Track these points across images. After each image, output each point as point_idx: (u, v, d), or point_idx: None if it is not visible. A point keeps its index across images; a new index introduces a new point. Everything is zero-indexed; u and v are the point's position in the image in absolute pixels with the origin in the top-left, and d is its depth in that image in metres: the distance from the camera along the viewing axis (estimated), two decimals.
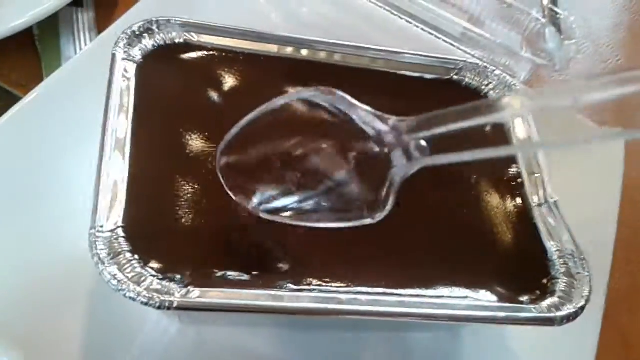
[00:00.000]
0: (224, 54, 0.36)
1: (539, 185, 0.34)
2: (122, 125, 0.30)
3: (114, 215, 0.27)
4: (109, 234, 0.27)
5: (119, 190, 0.28)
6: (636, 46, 0.66)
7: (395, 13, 0.50)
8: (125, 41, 0.33)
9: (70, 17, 0.48)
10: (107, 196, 0.28)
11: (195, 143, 0.32)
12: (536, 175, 0.35)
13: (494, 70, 0.39)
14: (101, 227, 0.27)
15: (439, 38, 0.50)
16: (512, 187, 0.34)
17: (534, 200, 0.34)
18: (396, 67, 0.38)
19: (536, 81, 0.53)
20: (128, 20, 0.42)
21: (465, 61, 0.39)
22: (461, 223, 0.33)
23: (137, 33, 0.34)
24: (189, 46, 0.35)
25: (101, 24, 0.49)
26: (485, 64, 0.39)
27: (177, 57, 0.35)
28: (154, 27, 0.35)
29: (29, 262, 0.32)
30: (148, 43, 0.34)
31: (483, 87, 0.39)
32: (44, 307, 0.32)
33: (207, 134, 0.32)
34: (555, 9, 0.52)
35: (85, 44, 0.47)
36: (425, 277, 0.30)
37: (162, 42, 0.35)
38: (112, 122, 0.30)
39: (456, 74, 0.39)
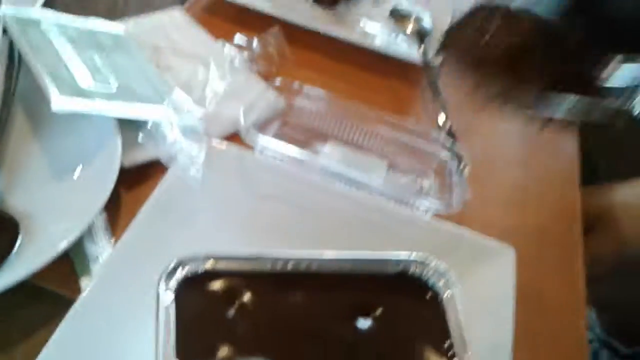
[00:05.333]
0: (233, 276, 0.54)
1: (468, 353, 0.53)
2: (168, 343, 0.48)
3: None
4: None
5: None
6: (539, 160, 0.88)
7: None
8: (164, 277, 0.52)
9: None
10: None
11: (219, 347, 0.50)
12: (465, 344, 0.53)
13: (432, 261, 0.58)
14: None
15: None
16: (449, 356, 0.53)
17: None
18: (359, 267, 0.58)
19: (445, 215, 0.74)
20: (133, 231, 0.62)
21: (409, 256, 0.58)
22: None
23: (173, 268, 0.53)
24: (208, 273, 0.54)
25: (112, 222, 0.68)
26: (425, 257, 0.58)
27: (200, 282, 0.53)
28: (183, 261, 0.53)
29: None
30: (179, 275, 0.53)
31: (424, 275, 0.58)
32: None
33: (226, 341, 0.50)
34: (452, 141, 0.77)
35: (103, 243, 0.66)
36: None
37: (189, 274, 0.53)
38: (161, 343, 0.48)
39: (404, 267, 0.58)
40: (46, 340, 0.53)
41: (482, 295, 0.60)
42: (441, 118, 0.90)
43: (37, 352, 0.53)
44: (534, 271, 0.71)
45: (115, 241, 0.66)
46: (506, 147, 0.91)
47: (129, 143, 0.71)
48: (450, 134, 0.87)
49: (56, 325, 0.54)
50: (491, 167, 0.86)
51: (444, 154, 0.81)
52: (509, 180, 0.86)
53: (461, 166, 0.79)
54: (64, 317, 0.55)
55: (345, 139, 0.85)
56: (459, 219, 0.74)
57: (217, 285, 0.54)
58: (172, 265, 0.53)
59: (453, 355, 0.53)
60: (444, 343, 0.54)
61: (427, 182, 0.82)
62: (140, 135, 0.67)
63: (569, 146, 0.93)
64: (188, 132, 0.72)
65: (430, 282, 0.58)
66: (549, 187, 0.87)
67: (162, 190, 0.66)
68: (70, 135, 0.71)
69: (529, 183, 0.87)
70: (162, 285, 0.51)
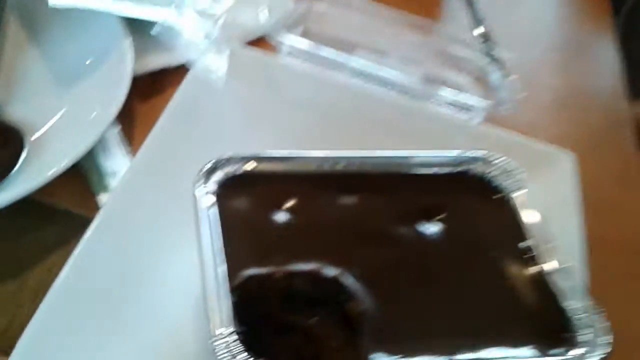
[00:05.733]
0: (278, 177, 0.48)
1: (549, 254, 0.47)
2: (215, 249, 0.42)
3: (225, 322, 0.38)
4: (227, 339, 0.37)
5: (223, 302, 0.39)
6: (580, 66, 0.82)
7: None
8: (201, 180, 0.45)
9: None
10: (216, 308, 0.39)
11: (273, 253, 0.43)
12: (546, 244, 0.48)
13: (496, 157, 0.52)
14: (221, 334, 0.38)
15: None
16: (527, 258, 0.47)
17: (548, 267, 0.47)
18: (415, 166, 0.51)
19: (492, 121, 0.67)
20: (154, 139, 0.55)
21: (473, 153, 0.52)
22: (485, 297, 0.45)
23: (210, 170, 0.46)
24: (250, 175, 0.47)
25: (128, 135, 0.61)
26: (489, 154, 0.52)
27: (243, 185, 0.47)
28: (220, 163, 0.47)
29: None
30: (217, 178, 0.46)
31: (489, 174, 0.52)
32: None
33: (280, 246, 0.44)
34: (491, 46, 0.70)
35: (119, 157, 0.59)
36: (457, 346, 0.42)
37: (228, 176, 0.47)
38: (206, 248, 0.42)
39: (466, 165, 0.52)
40: (61, 264, 0.47)
41: (544, 204, 0.53)
42: (476, 22, 0.82)
43: (52, 275, 0.47)
44: (593, 177, 0.65)
45: (133, 155, 0.59)
46: (546, 52, 0.85)
47: (140, 48, 0.64)
48: (488, 39, 0.80)
49: (71, 247, 0.48)
50: (533, 73, 0.79)
51: (484, 60, 0.74)
52: (552, 86, 0.79)
53: (504, 71, 0.72)
54: (79, 238, 0.49)
55: (373, 47, 0.77)
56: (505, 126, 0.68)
57: (261, 187, 0.47)
58: (208, 166, 0.46)
59: (532, 258, 0.47)
60: (519, 245, 0.48)
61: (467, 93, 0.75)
62: (155, 29, 0.59)
63: (608, 53, 0.87)
64: (206, 36, 0.65)
65: (496, 181, 0.52)
66: (593, 93, 0.80)
67: (182, 94, 0.59)
68: (75, 40, 0.64)
69: (572, 89, 0.80)
70: (199, 189, 0.45)
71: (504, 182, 0.51)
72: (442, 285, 0.45)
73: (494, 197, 0.51)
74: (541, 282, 0.46)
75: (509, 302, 0.45)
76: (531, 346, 0.42)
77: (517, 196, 0.51)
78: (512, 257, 0.47)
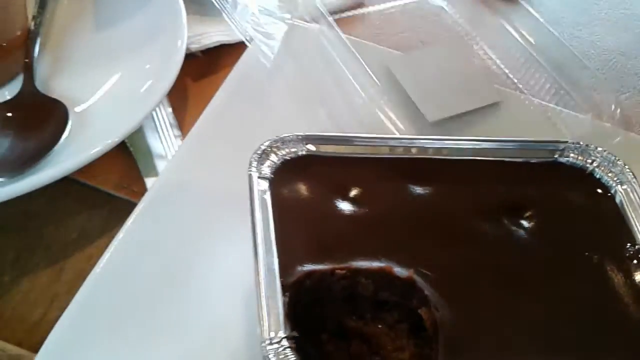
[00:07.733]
0: (342, 161, 0.42)
1: None
2: (268, 239, 0.37)
3: (275, 325, 0.33)
4: (276, 345, 0.33)
5: (276, 301, 0.34)
6: None
7: None
8: (257, 161, 0.40)
9: (151, 115, 0.55)
10: (267, 308, 0.34)
11: (334, 247, 0.38)
12: None
13: (596, 148, 0.45)
14: (270, 339, 0.33)
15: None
16: (637, 263, 0.40)
17: None
18: (501, 154, 0.45)
19: None
20: (207, 119, 0.51)
21: (567, 142, 0.45)
22: (582, 310, 0.38)
23: (267, 150, 0.41)
24: (311, 157, 0.42)
25: (179, 117, 0.57)
26: (586, 143, 0.45)
27: (302, 168, 0.42)
28: (279, 144, 0.42)
29: None
30: (275, 159, 0.41)
31: (588, 166, 0.45)
32: None
33: (342, 239, 0.38)
34: None
35: (170, 139, 0.55)
36: None
37: (287, 157, 0.42)
38: (260, 237, 0.36)
39: (560, 155, 0.45)
40: (101, 253, 0.44)
41: None
42: None
43: (91, 265, 0.43)
44: None
45: (183, 138, 0.54)
46: None
47: (196, 23, 0.60)
48: None
49: (114, 234, 0.45)
50: None
51: None
52: None
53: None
54: (123, 223, 0.45)
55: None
56: None
57: (323, 172, 0.42)
58: (264, 146, 0.41)
59: None
60: (627, 248, 0.41)
61: None
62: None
63: None
64: (265, 12, 0.60)
65: (598, 173, 0.45)
66: None
67: (238, 72, 0.55)
68: (129, 14, 0.60)
69: None
70: (254, 172, 0.40)
71: (606, 175, 0.44)
72: (531, 293, 0.38)
73: (597, 190, 0.44)
74: None
75: (612, 317, 0.38)
76: None
77: (623, 191, 0.43)
78: (617, 263, 0.40)
